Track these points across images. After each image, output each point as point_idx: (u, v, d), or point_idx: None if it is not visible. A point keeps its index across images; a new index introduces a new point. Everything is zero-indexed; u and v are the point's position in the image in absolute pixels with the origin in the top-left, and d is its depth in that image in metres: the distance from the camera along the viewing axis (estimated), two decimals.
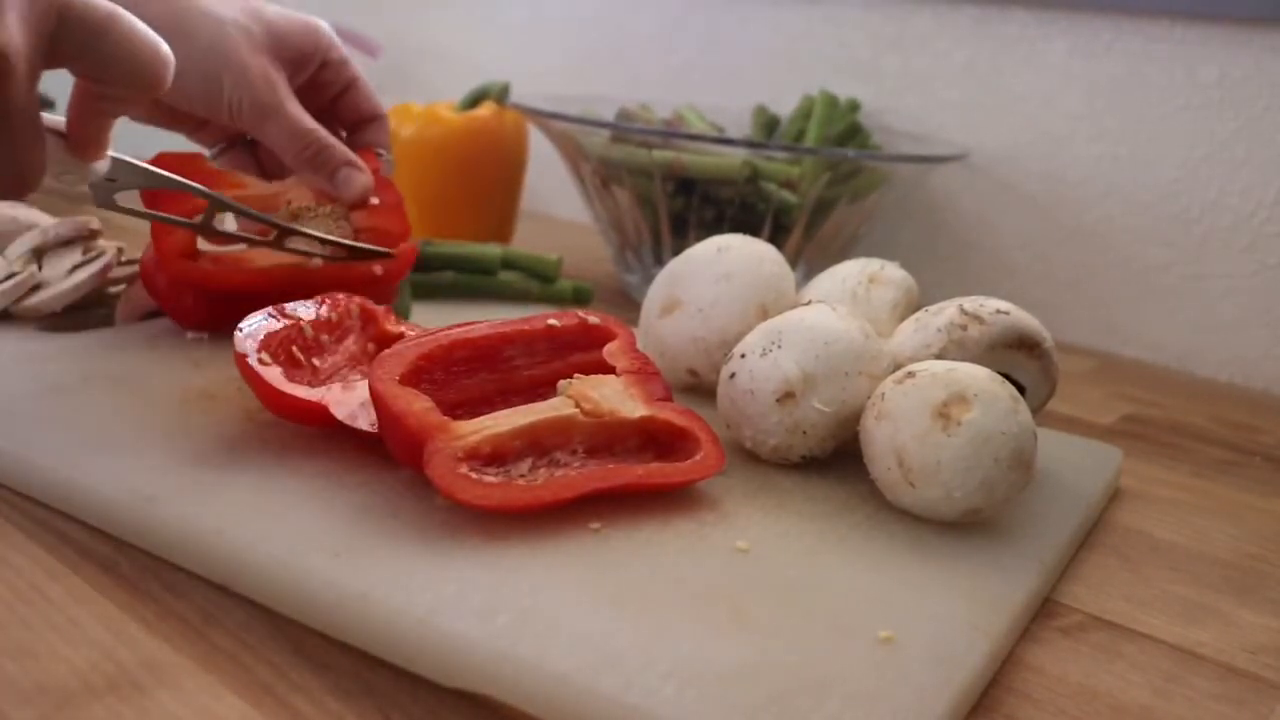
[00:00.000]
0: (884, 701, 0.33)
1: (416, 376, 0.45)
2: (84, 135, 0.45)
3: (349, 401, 0.46)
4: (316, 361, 0.50)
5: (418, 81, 1.33)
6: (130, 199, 0.51)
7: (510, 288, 0.77)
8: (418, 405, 0.42)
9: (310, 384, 0.47)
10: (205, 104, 0.57)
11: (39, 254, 0.64)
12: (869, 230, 0.89)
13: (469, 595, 0.36)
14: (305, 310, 0.51)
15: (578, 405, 0.45)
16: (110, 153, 0.48)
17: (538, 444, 0.44)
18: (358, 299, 0.54)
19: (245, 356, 0.46)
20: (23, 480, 0.44)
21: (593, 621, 0.35)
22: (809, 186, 0.78)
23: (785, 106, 0.99)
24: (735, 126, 0.98)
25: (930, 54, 0.93)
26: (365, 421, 0.46)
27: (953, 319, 0.50)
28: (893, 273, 0.58)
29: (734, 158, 0.78)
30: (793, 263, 0.82)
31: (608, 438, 0.46)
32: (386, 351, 0.45)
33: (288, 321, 0.50)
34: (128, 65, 0.41)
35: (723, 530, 0.43)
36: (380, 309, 0.54)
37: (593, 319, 0.51)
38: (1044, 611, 0.43)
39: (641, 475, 0.44)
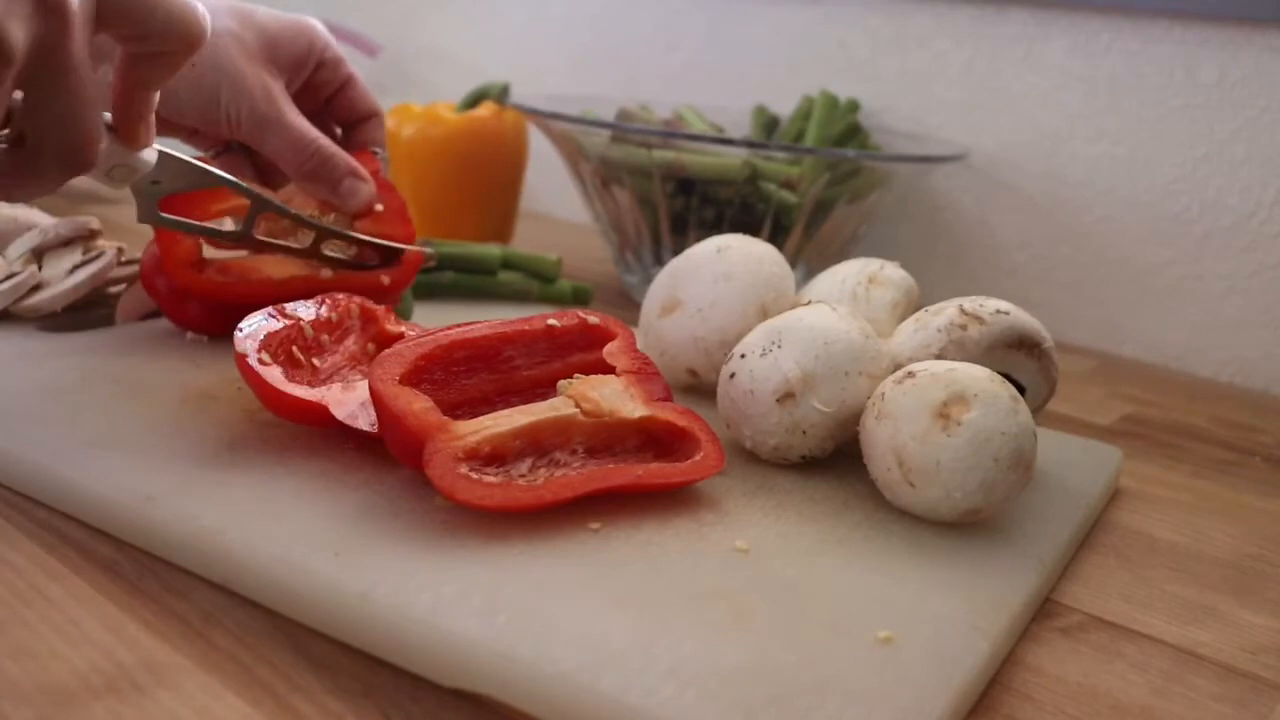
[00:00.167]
0: (884, 701, 0.33)
1: (416, 376, 0.45)
2: (130, 113, 0.45)
3: (349, 401, 0.46)
4: (316, 361, 0.50)
5: (418, 81, 1.33)
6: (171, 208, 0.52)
7: (510, 288, 0.77)
8: (418, 405, 0.42)
9: (310, 384, 0.47)
10: (201, 116, 0.57)
11: (39, 254, 0.64)
12: (869, 230, 0.89)
13: (469, 595, 0.36)
14: (305, 310, 0.51)
15: (578, 405, 0.45)
16: (155, 145, 0.48)
17: (538, 444, 0.44)
18: (358, 299, 0.54)
19: (245, 356, 0.46)
20: (23, 480, 0.44)
21: (593, 621, 0.35)
22: (809, 186, 0.78)
23: (785, 106, 0.99)
24: (735, 126, 0.98)
25: (929, 54, 0.93)
26: (365, 421, 0.46)
27: (953, 319, 0.50)
28: (893, 273, 0.58)
29: (734, 158, 0.78)
30: (793, 263, 0.82)
31: (608, 438, 0.46)
32: (386, 351, 0.45)
33: (288, 321, 0.50)
34: (168, 23, 0.42)
35: (723, 530, 0.43)
36: (380, 309, 0.54)
37: (593, 319, 0.51)
38: (1044, 611, 0.43)
39: (641, 475, 0.44)
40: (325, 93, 0.63)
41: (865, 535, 0.44)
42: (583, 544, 0.41)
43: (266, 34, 0.58)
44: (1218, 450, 0.66)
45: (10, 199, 0.43)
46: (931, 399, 0.44)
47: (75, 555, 0.41)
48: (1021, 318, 0.51)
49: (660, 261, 0.83)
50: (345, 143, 0.65)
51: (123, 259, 0.64)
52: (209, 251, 0.58)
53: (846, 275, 0.57)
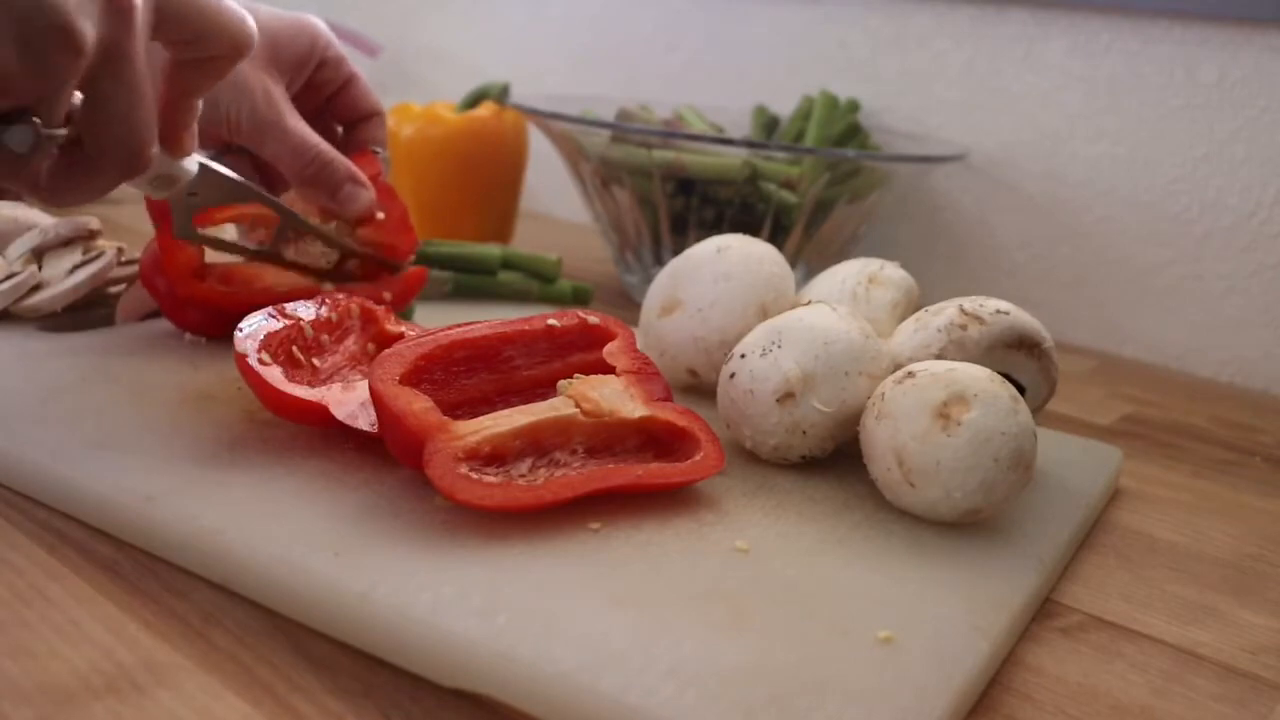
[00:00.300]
0: (884, 701, 0.33)
1: (416, 376, 0.45)
2: (175, 121, 0.46)
3: (349, 401, 0.46)
4: (316, 361, 0.50)
5: (418, 81, 1.33)
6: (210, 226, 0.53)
7: (510, 288, 0.77)
8: (418, 405, 0.42)
9: (310, 384, 0.47)
10: (202, 120, 0.57)
11: (39, 254, 0.64)
12: (869, 230, 0.89)
13: (469, 595, 0.36)
14: (305, 310, 0.51)
15: (578, 405, 0.45)
16: (196, 156, 0.49)
17: (538, 444, 0.44)
18: (357, 299, 0.54)
19: (245, 356, 0.46)
20: (23, 480, 0.44)
21: (593, 621, 0.35)
22: (809, 186, 0.78)
23: (785, 106, 0.99)
24: (735, 126, 0.98)
25: (929, 54, 0.93)
26: (365, 421, 0.46)
27: (953, 319, 0.50)
28: (893, 273, 0.58)
29: (734, 158, 0.78)
30: (793, 263, 0.82)
31: (608, 438, 0.46)
32: (386, 351, 0.45)
33: (288, 321, 0.50)
34: (218, 28, 0.43)
35: (723, 530, 0.43)
36: (380, 309, 0.54)
37: (593, 319, 0.51)
38: (1044, 611, 0.43)
39: (641, 475, 0.44)
40: (327, 91, 0.63)
41: (865, 535, 0.44)
42: (583, 544, 0.40)
43: (268, 34, 0.58)
44: (1218, 450, 0.65)
45: (61, 203, 0.43)
46: (931, 399, 0.44)
47: (75, 555, 0.41)
48: (1021, 318, 0.51)
49: (660, 261, 0.83)
50: (346, 142, 0.64)
51: (123, 259, 0.64)
52: (211, 256, 0.58)
53: (846, 275, 0.57)
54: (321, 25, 0.61)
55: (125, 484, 0.42)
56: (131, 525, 0.41)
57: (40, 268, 0.63)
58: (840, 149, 0.90)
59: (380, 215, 0.61)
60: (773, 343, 0.48)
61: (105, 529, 0.42)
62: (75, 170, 0.42)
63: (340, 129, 0.65)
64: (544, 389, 0.48)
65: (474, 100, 0.93)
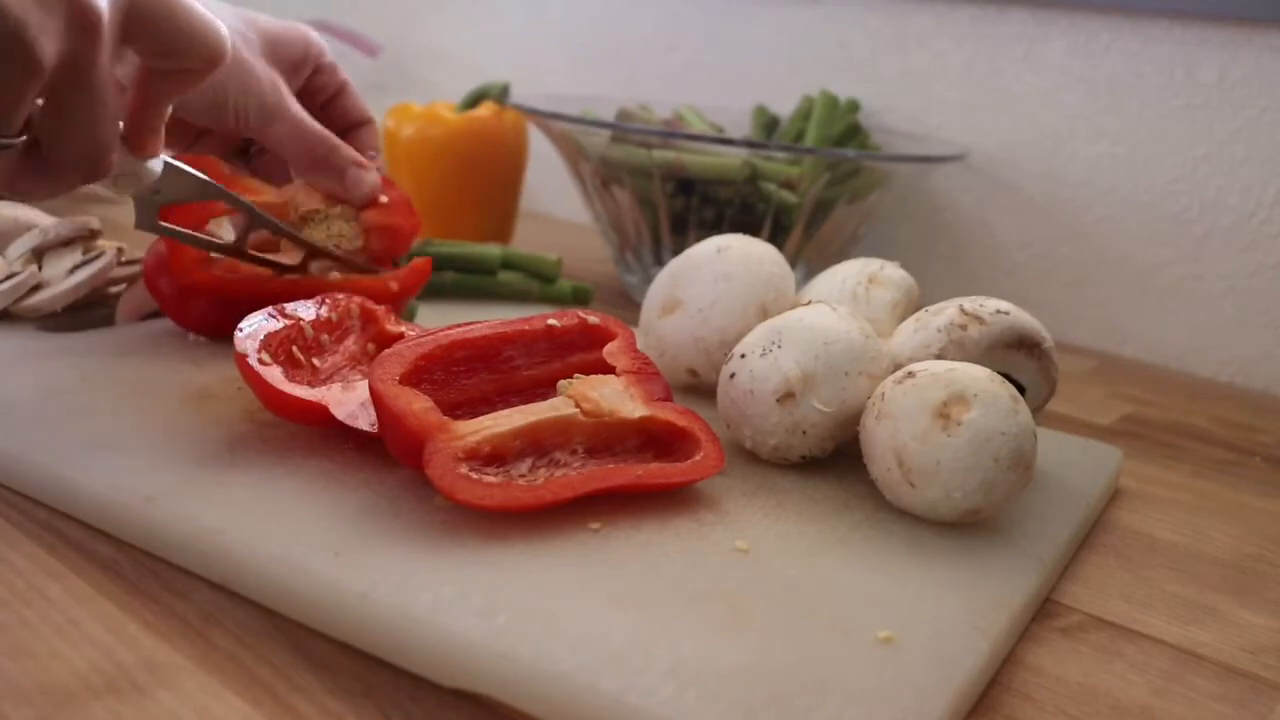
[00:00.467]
0: (884, 701, 0.33)
1: (416, 376, 0.45)
2: (142, 125, 0.46)
3: (349, 401, 0.47)
4: (316, 361, 0.50)
5: (418, 81, 1.33)
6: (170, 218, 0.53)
7: (510, 288, 0.77)
8: (418, 405, 0.42)
9: (310, 384, 0.47)
10: (210, 110, 0.57)
11: (39, 254, 0.64)
12: (869, 230, 0.89)
13: (469, 595, 0.36)
14: (305, 310, 0.51)
15: (578, 405, 0.45)
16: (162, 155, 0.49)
17: (538, 444, 0.44)
18: (358, 299, 0.54)
19: (245, 356, 0.46)
20: (23, 480, 0.44)
21: (593, 621, 0.35)
22: (809, 186, 0.78)
23: (785, 106, 0.99)
24: (735, 126, 0.98)
25: (929, 54, 0.93)
26: (365, 421, 0.46)
27: (953, 319, 0.50)
28: (893, 273, 0.58)
29: (734, 158, 0.78)
30: (793, 263, 0.82)
31: (608, 438, 0.46)
32: (386, 351, 0.45)
33: (288, 321, 0.50)
34: (189, 41, 0.43)
35: (723, 530, 0.43)
36: (381, 309, 0.54)
37: (593, 319, 0.51)
38: (1044, 611, 0.43)
39: (641, 475, 0.44)
40: (321, 98, 0.63)
41: (865, 535, 0.44)
42: (583, 544, 0.40)
43: (268, 34, 0.59)
44: (1218, 450, 0.66)
45: (22, 199, 0.43)
46: (931, 399, 0.44)
47: (75, 555, 0.41)
48: (1021, 318, 0.51)
49: (660, 261, 0.83)
50: None
51: (123, 259, 0.64)
52: (230, 235, 0.58)
53: (846, 275, 0.57)
54: (315, 34, 0.62)
55: (125, 484, 0.42)
56: (131, 525, 0.41)
57: (40, 268, 0.63)
58: (840, 149, 0.90)
59: (384, 199, 0.62)
60: (773, 343, 0.48)
61: (105, 529, 0.42)
62: (35, 171, 0.42)
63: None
64: (544, 389, 0.48)
65: (474, 100, 0.93)
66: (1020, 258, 0.91)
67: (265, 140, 0.59)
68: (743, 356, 0.49)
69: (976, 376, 0.44)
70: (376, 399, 0.43)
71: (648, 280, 0.83)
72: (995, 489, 0.43)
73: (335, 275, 0.60)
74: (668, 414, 0.47)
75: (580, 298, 0.80)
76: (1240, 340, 0.82)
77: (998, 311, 0.51)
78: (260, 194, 0.59)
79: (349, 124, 0.65)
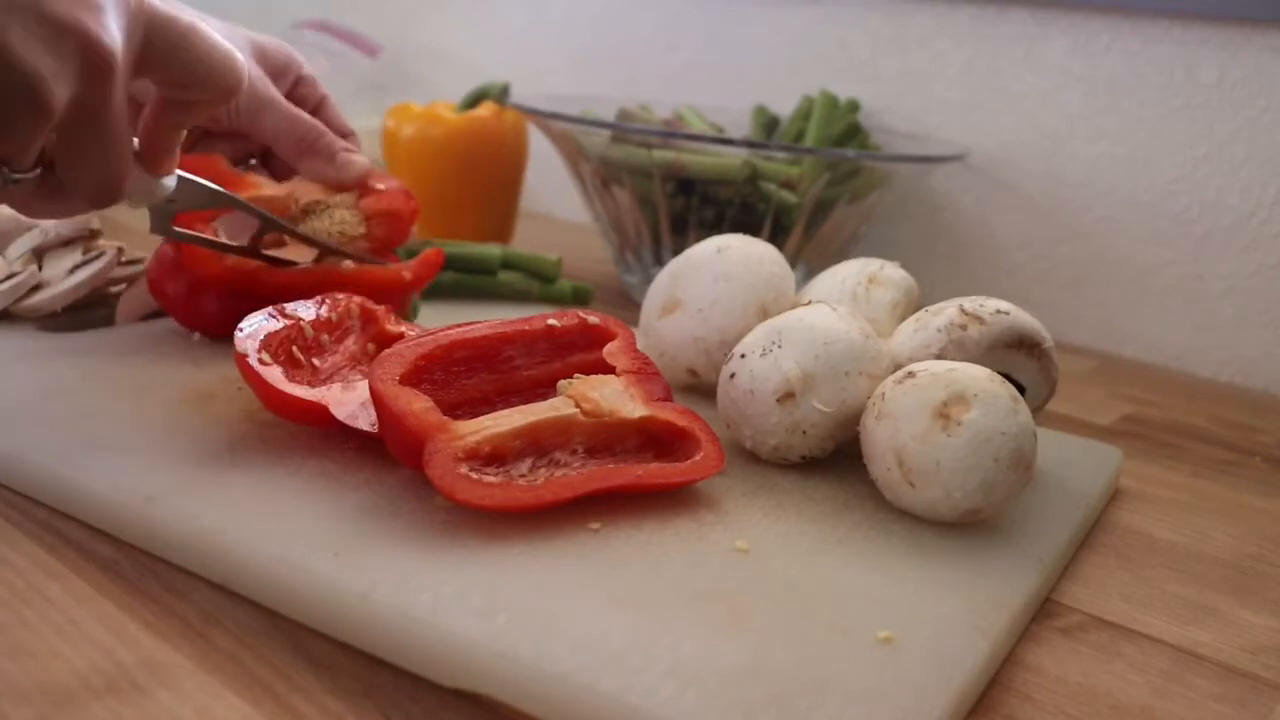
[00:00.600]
0: (884, 701, 0.33)
1: (416, 376, 0.45)
2: (157, 147, 0.47)
3: (349, 401, 0.47)
4: (316, 361, 0.50)
5: (418, 81, 1.33)
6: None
7: (510, 288, 0.77)
8: (418, 405, 0.42)
9: (310, 384, 0.47)
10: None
11: (39, 254, 0.64)
12: (869, 230, 0.89)
13: (469, 595, 0.36)
14: (305, 310, 0.51)
15: (578, 405, 0.45)
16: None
17: (538, 444, 0.44)
18: (358, 299, 0.54)
19: (246, 356, 0.46)
20: (23, 480, 0.44)
21: (593, 621, 0.35)
22: (809, 186, 0.78)
23: (785, 106, 0.99)
24: (735, 126, 0.98)
25: (929, 54, 0.93)
26: (365, 421, 0.46)
27: (953, 319, 0.50)
28: (893, 273, 0.58)
29: (734, 158, 0.78)
30: (793, 263, 0.82)
31: (608, 438, 0.46)
32: (386, 351, 0.45)
33: (288, 321, 0.50)
34: (207, 73, 0.43)
35: (723, 530, 0.43)
36: (381, 309, 0.54)
37: (593, 319, 0.51)
38: (1044, 611, 0.43)
39: (641, 475, 0.44)
40: (304, 110, 0.64)
41: (865, 535, 0.44)
42: (583, 544, 0.40)
43: (253, 40, 0.61)
44: (1218, 450, 0.66)
45: (38, 218, 0.44)
46: (931, 399, 0.44)
47: (75, 555, 0.41)
48: (1021, 318, 0.51)
49: (660, 261, 0.83)
50: None
51: (123, 259, 0.64)
52: (224, 236, 0.58)
53: (846, 275, 0.57)
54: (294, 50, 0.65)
55: (125, 484, 0.42)
56: (131, 525, 0.41)
57: (40, 268, 0.63)
58: (840, 149, 0.90)
59: (380, 186, 0.63)
60: (773, 343, 0.48)
61: (105, 529, 0.42)
62: (50, 196, 0.43)
63: None
64: (544, 389, 0.48)
65: (474, 100, 0.93)
66: (1020, 258, 0.91)
67: (257, 131, 0.60)
68: (743, 356, 0.49)
69: (976, 376, 0.44)
70: (376, 399, 0.43)
71: (648, 280, 0.83)
72: (995, 489, 0.43)
73: (348, 264, 0.60)
74: (668, 414, 0.47)
75: (580, 298, 0.80)
76: (1240, 340, 0.82)
77: (998, 311, 0.51)
78: (260, 189, 0.59)
79: None
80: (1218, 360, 0.83)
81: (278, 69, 0.62)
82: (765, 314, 0.54)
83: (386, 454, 0.44)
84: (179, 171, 0.50)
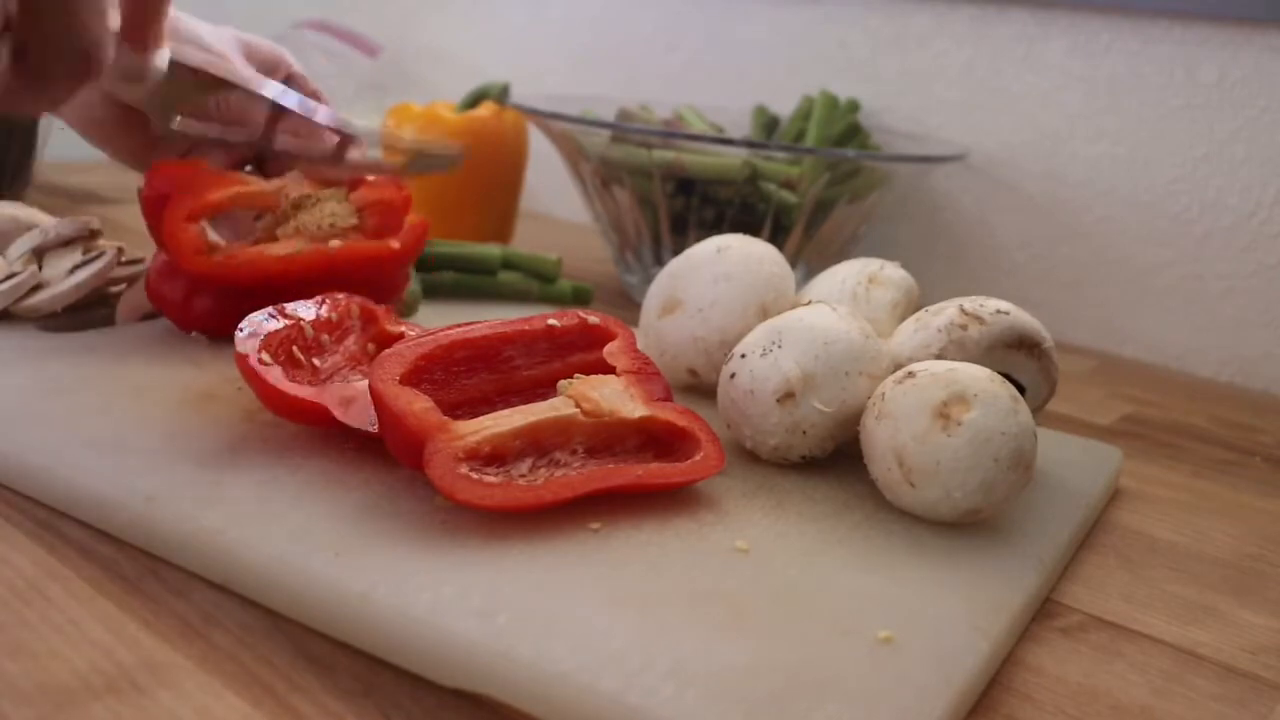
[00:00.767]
0: (884, 701, 0.33)
1: (416, 376, 0.45)
2: (140, 20, 0.45)
3: (349, 401, 0.46)
4: (317, 361, 0.50)
5: (418, 81, 1.33)
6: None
7: (510, 288, 0.77)
8: (418, 405, 0.42)
9: (310, 384, 0.47)
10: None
11: (39, 254, 0.64)
12: (869, 230, 0.89)
13: (469, 595, 0.36)
14: (305, 310, 0.51)
15: (578, 405, 0.45)
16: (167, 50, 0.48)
17: (538, 444, 0.44)
18: (358, 299, 0.54)
19: (246, 356, 0.46)
20: (23, 480, 0.44)
21: (593, 621, 0.35)
22: (809, 186, 0.78)
23: (785, 106, 0.99)
24: (735, 126, 0.98)
25: (929, 54, 0.93)
26: (365, 421, 0.46)
27: (953, 319, 0.50)
28: (893, 273, 0.58)
29: (734, 158, 0.78)
30: (793, 263, 0.82)
31: (608, 438, 0.46)
32: (386, 351, 0.45)
33: (288, 321, 0.50)
34: None
35: (723, 530, 0.43)
36: (381, 309, 0.54)
37: (593, 319, 0.51)
38: (1044, 611, 0.43)
39: (641, 475, 0.44)
40: None
41: (865, 535, 0.44)
42: (583, 544, 0.40)
43: (242, 39, 0.62)
44: (1218, 450, 0.66)
45: (19, 111, 0.41)
46: (931, 399, 0.44)
47: (75, 555, 0.41)
48: (1021, 318, 0.51)
49: (660, 261, 0.83)
50: None
51: (123, 259, 0.64)
52: (214, 236, 0.58)
53: (846, 275, 0.57)
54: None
55: (125, 484, 0.42)
56: (131, 525, 0.41)
57: (40, 268, 0.63)
58: (840, 149, 0.90)
59: (370, 177, 0.64)
60: (773, 343, 0.48)
61: (105, 529, 0.42)
62: (26, 81, 0.39)
63: None
64: (544, 389, 0.48)
65: (474, 100, 0.93)
66: (1020, 258, 0.91)
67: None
68: (743, 356, 0.49)
69: (976, 376, 0.44)
70: (377, 399, 0.43)
71: (648, 280, 0.83)
72: (995, 489, 0.43)
73: (335, 243, 0.60)
74: (668, 414, 0.47)
75: (580, 298, 0.80)
76: (1240, 340, 0.82)
77: (998, 311, 0.51)
78: (248, 185, 0.60)
79: None
80: (1218, 360, 0.83)
81: (268, 63, 0.63)
82: (765, 314, 0.54)
83: (386, 454, 0.44)
84: (169, 55, 0.48)
